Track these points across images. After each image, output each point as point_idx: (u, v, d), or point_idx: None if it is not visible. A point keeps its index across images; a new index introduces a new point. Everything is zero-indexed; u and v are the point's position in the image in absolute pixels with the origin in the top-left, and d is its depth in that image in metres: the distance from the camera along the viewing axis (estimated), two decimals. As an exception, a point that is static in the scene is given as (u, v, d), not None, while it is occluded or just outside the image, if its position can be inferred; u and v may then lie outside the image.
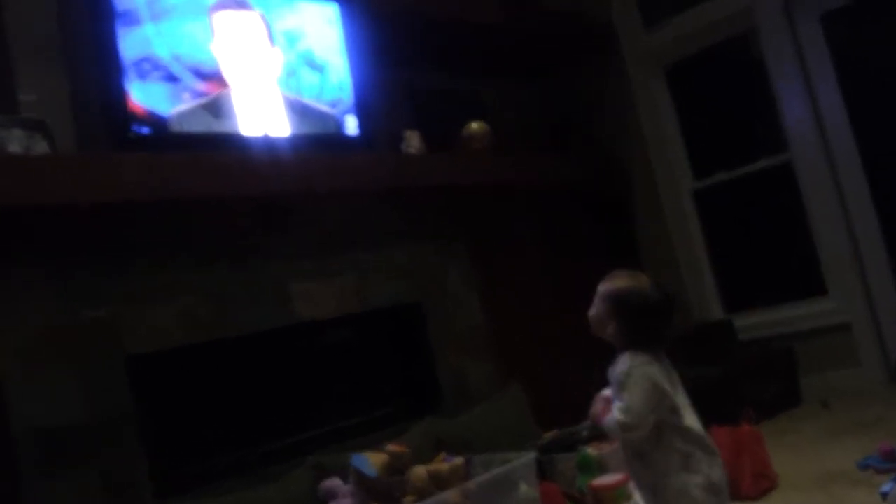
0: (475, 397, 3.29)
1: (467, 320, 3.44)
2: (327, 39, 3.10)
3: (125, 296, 2.44)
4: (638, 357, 1.71)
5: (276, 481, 2.50)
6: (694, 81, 4.27)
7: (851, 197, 3.74)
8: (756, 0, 3.85)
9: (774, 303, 4.01)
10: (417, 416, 3.07)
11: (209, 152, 2.60)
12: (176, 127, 2.58)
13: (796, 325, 3.86)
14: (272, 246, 2.84)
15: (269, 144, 2.80)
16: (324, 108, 3.04)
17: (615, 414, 1.68)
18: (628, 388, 1.68)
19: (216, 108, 2.69)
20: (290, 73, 2.94)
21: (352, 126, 3.12)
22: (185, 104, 2.61)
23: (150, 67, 2.54)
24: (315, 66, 3.03)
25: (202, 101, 2.66)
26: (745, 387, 3.46)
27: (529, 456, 2.58)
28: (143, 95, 2.50)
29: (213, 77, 2.70)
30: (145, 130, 2.51)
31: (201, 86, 2.66)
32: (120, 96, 2.46)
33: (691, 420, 1.72)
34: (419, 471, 2.39)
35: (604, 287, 1.79)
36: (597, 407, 1.79)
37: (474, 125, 3.62)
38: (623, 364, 1.71)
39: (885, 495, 2.17)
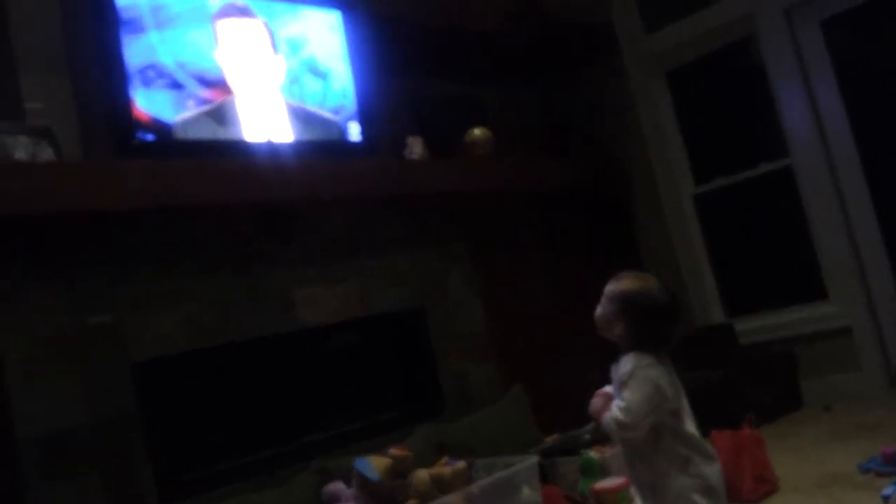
0: (477, 401, 3.30)
1: (469, 324, 3.45)
2: (330, 46, 3.12)
3: (130, 302, 2.45)
4: (643, 358, 1.71)
5: (281, 486, 2.51)
6: (694, 86, 4.27)
7: (852, 201, 3.75)
8: (757, 6, 3.86)
9: (775, 307, 4.01)
10: (420, 419, 3.08)
11: (213, 159, 2.62)
12: (180, 134, 2.60)
13: (797, 329, 3.85)
14: (276, 252, 2.85)
15: (272, 151, 2.82)
16: (327, 114, 3.05)
17: (614, 411, 1.69)
18: (630, 388, 1.68)
19: (220, 115, 2.71)
20: (294, 80, 2.96)
21: (355, 132, 3.13)
22: (190, 111, 2.63)
23: (155, 75, 2.55)
24: (318, 73, 3.05)
25: (206, 108, 2.67)
26: (746, 390, 3.47)
27: (532, 459, 2.58)
28: (147, 103, 2.52)
29: (217, 84, 2.72)
30: (150, 137, 2.52)
31: (205, 93, 2.68)
32: (124, 103, 2.48)
33: (691, 426, 1.72)
34: (422, 474, 2.39)
35: (612, 287, 1.79)
36: (596, 402, 1.80)
37: (476, 131, 3.64)
38: (627, 364, 1.72)
39: (886, 498, 2.17)
